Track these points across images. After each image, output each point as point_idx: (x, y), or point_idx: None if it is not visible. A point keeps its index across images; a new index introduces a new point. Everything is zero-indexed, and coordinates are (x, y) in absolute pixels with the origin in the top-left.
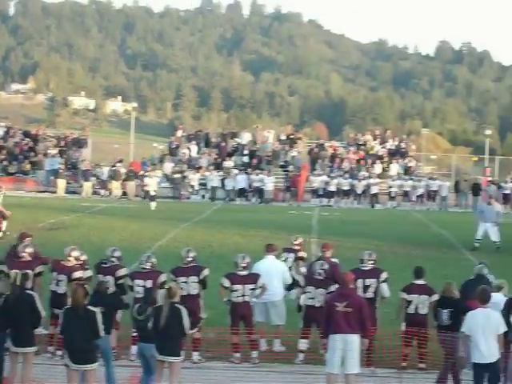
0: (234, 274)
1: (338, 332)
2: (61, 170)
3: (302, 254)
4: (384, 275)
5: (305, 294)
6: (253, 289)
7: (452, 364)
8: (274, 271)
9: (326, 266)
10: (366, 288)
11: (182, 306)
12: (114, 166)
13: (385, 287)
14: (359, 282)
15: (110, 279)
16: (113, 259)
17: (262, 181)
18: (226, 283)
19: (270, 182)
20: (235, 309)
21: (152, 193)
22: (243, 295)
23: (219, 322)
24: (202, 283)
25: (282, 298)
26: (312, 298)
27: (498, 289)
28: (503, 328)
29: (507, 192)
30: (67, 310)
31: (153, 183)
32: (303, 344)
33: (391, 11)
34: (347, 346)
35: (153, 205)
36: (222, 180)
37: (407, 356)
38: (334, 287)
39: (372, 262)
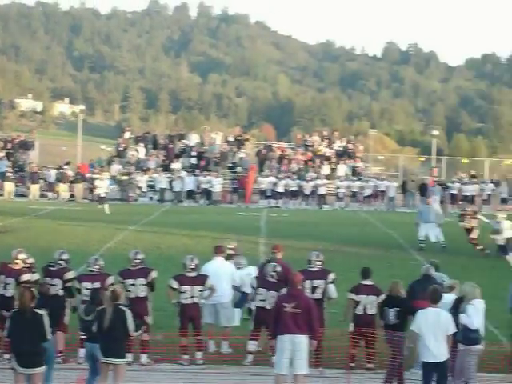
0: (182, 275)
1: (287, 333)
2: (8, 174)
3: (238, 258)
4: (331, 276)
5: (256, 296)
6: (201, 290)
7: (399, 364)
8: (223, 273)
9: (279, 269)
10: (313, 289)
11: (126, 307)
12: (61, 169)
13: (332, 288)
14: (307, 283)
15: (57, 282)
16: (60, 262)
17: (209, 182)
18: (175, 285)
19: (217, 183)
20: (184, 310)
21: (102, 195)
22: (192, 296)
23: (168, 324)
24: (150, 285)
25: (231, 300)
26: (263, 300)
27: (450, 289)
28: (453, 329)
29: (454, 192)
30: (14, 313)
31: (103, 185)
32: (252, 345)
33: (338, 12)
34: (295, 347)
35: (106, 207)
36: (170, 182)
37: (355, 356)
38: (285, 290)
39: (320, 262)
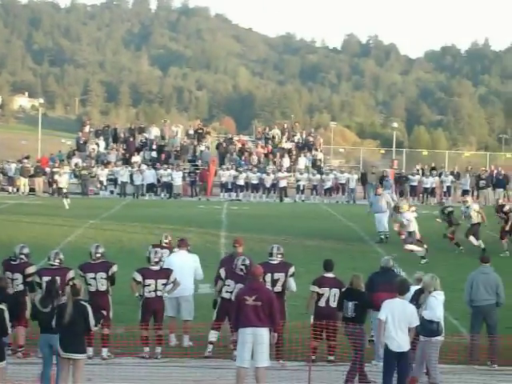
0: (146, 268)
1: (248, 325)
2: None
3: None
4: (292, 269)
5: (224, 287)
6: (165, 284)
7: (360, 356)
8: (187, 266)
9: (247, 262)
10: (274, 282)
11: (86, 302)
12: (21, 163)
13: (292, 282)
14: (268, 276)
15: (18, 276)
16: (22, 256)
17: (170, 176)
18: (139, 278)
19: (178, 176)
20: (147, 304)
21: (64, 190)
22: (155, 290)
23: (128, 318)
24: (111, 279)
25: (193, 294)
26: (230, 292)
27: (418, 281)
28: (416, 322)
29: (414, 184)
30: None
31: (64, 180)
32: (213, 335)
33: (298, 5)
34: (257, 340)
35: (66, 202)
36: (131, 175)
37: (316, 349)
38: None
39: (280, 255)
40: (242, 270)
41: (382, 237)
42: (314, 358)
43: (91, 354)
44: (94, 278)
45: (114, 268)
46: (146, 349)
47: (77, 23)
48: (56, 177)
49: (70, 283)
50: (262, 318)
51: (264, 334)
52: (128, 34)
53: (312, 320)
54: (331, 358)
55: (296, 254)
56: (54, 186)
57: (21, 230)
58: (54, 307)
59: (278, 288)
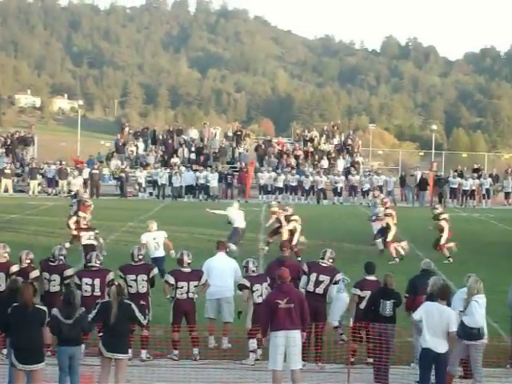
0: (178, 270)
1: (281, 329)
2: (7, 170)
3: None
4: (338, 276)
5: (254, 293)
6: (196, 286)
7: (389, 356)
8: (227, 268)
9: (256, 263)
10: (318, 283)
11: (130, 301)
12: (60, 164)
13: (334, 289)
14: (313, 276)
15: (56, 278)
16: (60, 257)
17: (206, 177)
18: (171, 280)
19: (213, 178)
20: (178, 305)
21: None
22: (187, 292)
23: (167, 320)
24: (151, 282)
25: (233, 295)
26: (261, 296)
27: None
28: (454, 327)
29: (454, 187)
30: (15, 308)
31: (77, 183)
32: (253, 344)
33: (338, 7)
34: (289, 342)
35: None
36: (169, 177)
37: (356, 351)
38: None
39: (331, 260)
40: (253, 271)
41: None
42: (353, 360)
43: (130, 356)
44: (135, 280)
45: (155, 271)
46: (176, 351)
47: (116, 25)
48: (70, 179)
49: (116, 283)
50: (295, 320)
51: (296, 336)
52: (167, 37)
53: (352, 322)
54: (370, 360)
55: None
56: (65, 188)
57: (60, 232)
58: (76, 319)
59: (320, 290)
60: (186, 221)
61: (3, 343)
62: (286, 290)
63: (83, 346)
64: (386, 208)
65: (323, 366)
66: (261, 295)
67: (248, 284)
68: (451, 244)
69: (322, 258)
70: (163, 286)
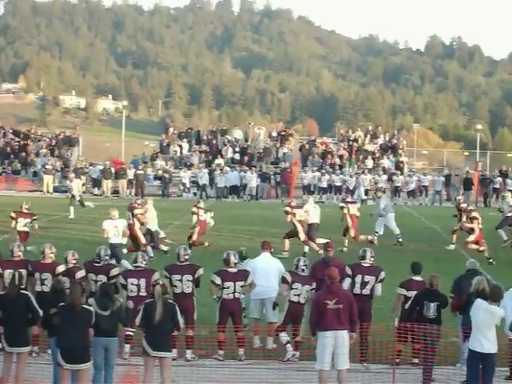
0: (224, 271)
1: (329, 329)
2: (48, 166)
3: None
4: (382, 274)
5: (291, 291)
6: (243, 286)
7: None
8: (272, 268)
9: (307, 262)
10: (364, 284)
11: (174, 302)
12: (105, 165)
13: (379, 287)
14: (358, 278)
15: (102, 278)
16: (106, 258)
17: (247, 178)
18: (218, 280)
19: (253, 178)
20: (224, 305)
21: (77, 197)
22: (234, 292)
23: (212, 320)
24: (196, 282)
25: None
26: (298, 295)
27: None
28: (508, 330)
29: (497, 186)
30: (63, 308)
31: (74, 186)
32: (285, 336)
33: (381, 6)
34: (338, 343)
35: (72, 210)
36: (213, 177)
37: (401, 352)
38: (346, 283)
39: (373, 259)
40: (303, 270)
41: (400, 240)
42: (398, 360)
43: (175, 356)
44: (180, 280)
45: (201, 271)
46: (221, 352)
47: (160, 26)
48: (68, 182)
49: (160, 282)
50: (343, 320)
51: (345, 336)
52: (211, 37)
53: (397, 323)
54: (416, 360)
55: (379, 256)
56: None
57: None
58: (113, 310)
59: (367, 291)
60: (230, 221)
61: (47, 343)
62: (334, 290)
63: (128, 346)
64: (470, 211)
65: (368, 366)
66: (298, 295)
67: (289, 279)
68: (479, 246)
69: (364, 259)
70: (210, 287)
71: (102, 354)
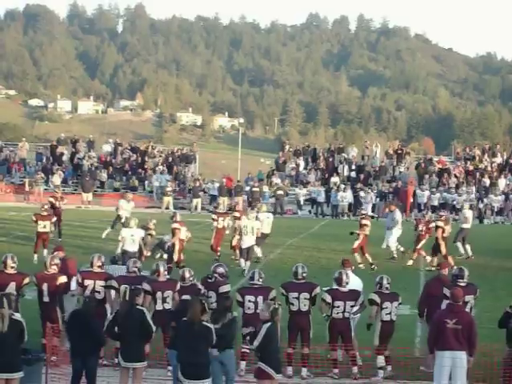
0: (336, 289)
1: (447, 349)
2: (168, 188)
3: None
4: (478, 292)
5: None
6: (353, 306)
7: None
8: (353, 286)
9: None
10: (464, 304)
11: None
12: (221, 182)
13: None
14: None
15: (212, 294)
16: (215, 275)
17: (365, 196)
18: (328, 299)
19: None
20: (334, 324)
21: (123, 219)
22: (343, 311)
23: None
24: (313, 300)
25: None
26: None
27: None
28: None
29: None
30: (183, 323)
31: (128, 208)
32: (381, 361)
33: (499, 24)
34: (456, 363)
35: (106, 231)
36: (329, 195)
37: None
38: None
39: (468, 277)
40: (387, 288)
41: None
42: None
43: (291, 374)
44: (297, 298)
45: (318, 289)
46: (336, 370)
47: (277, 44)
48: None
49: (277, 301)
50: (462, 341)
51: (463, 357)
52: (327, 55)
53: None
54: None
55: (497, 276)
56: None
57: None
58: (224, 323)
59: (467, 310)
60: (346, 239)
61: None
62: (456, 310)
63: (243, 362)
64: None
65: None
66: (389, 313)
67: (378, 300)
68: None
69: (462, 278)
70: (320, 304)
71: (218, 367)
